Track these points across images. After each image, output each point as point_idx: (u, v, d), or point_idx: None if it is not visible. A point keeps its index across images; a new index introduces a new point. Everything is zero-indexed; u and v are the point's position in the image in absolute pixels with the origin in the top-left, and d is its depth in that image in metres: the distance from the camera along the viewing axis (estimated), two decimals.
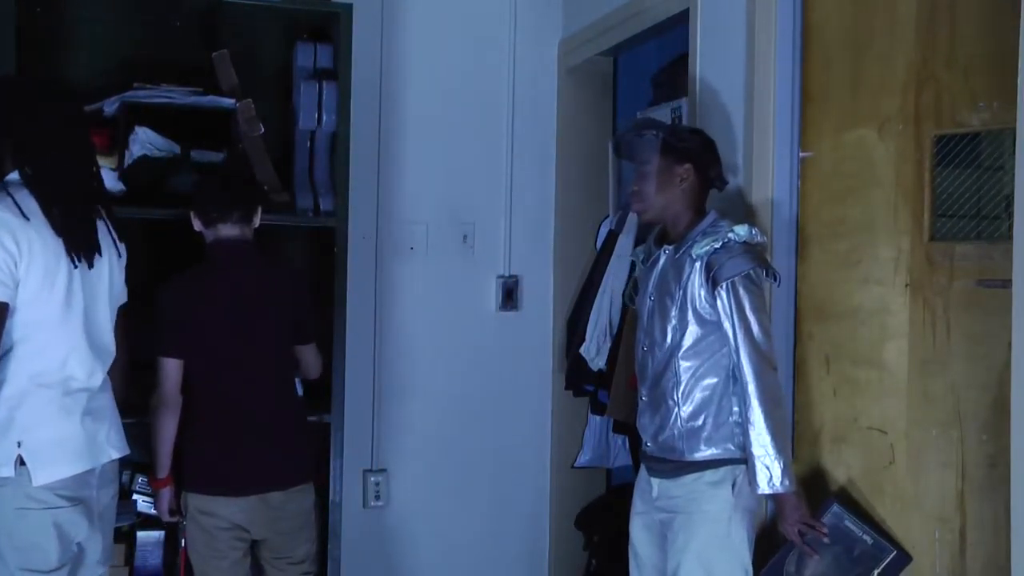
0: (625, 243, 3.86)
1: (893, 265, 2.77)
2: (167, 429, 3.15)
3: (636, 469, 3.44)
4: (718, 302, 2.69)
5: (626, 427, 3.76)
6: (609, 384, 3.78)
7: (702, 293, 2.72)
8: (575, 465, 4.16)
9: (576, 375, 4.06)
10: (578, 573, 4.25)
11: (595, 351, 3.92)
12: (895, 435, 2.77)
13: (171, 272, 3.24)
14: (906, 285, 2.75)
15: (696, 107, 3.36)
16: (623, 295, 3.54)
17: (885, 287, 2.79)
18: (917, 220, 2.73)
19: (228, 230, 3.21)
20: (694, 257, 2.73)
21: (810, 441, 2.96)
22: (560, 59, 4.41)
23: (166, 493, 3.25)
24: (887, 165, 2.80)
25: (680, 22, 3.53)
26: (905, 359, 2.74)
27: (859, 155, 2.87)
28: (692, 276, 2.73)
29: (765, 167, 3.04)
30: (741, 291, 2.67)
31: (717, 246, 2.69)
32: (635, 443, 3.78)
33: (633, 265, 3.30)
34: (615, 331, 3.84)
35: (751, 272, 2.69)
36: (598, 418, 4.06)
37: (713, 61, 3.33)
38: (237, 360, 3.19)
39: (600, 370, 3.90)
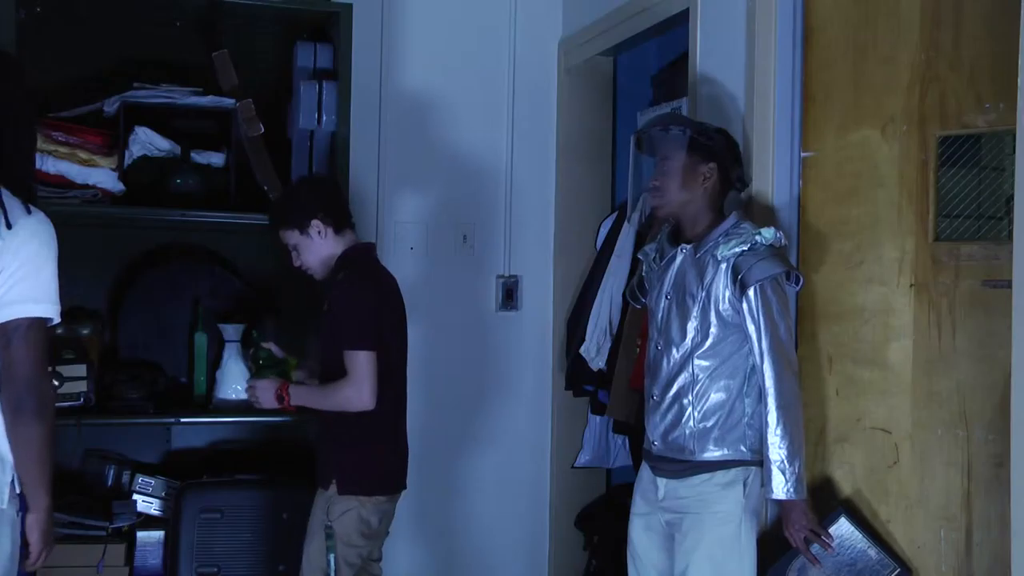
0: (625, 242, 3.85)
1: (897, 265, 2.78)
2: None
3: (637, 469, 3.43)
4: (744, 305, 2.66)
5: (626, 427, 3.75)
6: (609, 384, 3.78)
7: (727, 295, 2.69)
8: (575, 465, 4.16)
9: (576, 375, 4.06)
10: (578, 573, 4.25)
11: (595, 351, 3.91)
12: (899, 435, 2.77)
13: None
14: (911, 285, 2.75)
15: (696, 107, 3.36)
16: (624, 292, 3.52)
17: (889, 287, 2.80)
18: (922, 220, 2.74)
19: (352, 236, 3.18)
20: (719, 259, 2.70)
21: (813, 441, 2.95)
22: (560, 59, 4.41)
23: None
24: (891, 165, 2.80)
25: (680, 22, 3.54)
26: (909, 359, 2.75)
27: (862, 155, 2.87)
28: (717, 278, 2.70)
29: (765, 167, 3.04)
30: (769, 294, 2.66)
31: (745, 248, 2.67)
32: (635, 443, 3.78)
33: (636, 263, 3.28)
34: (615, 331, 3.84)
35: (779, 276, 2.69)
36: (598, 418, 4.06)
37: (713, 61, 3.34)
38: (400, 361, 3.18)
39: (600, 370, 3.90)
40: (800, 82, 3.04)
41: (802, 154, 3.04)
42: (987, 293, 2.60)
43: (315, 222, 3.11)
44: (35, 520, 2.34)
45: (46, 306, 2.25)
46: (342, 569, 3.06)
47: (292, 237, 3.15)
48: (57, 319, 2.29)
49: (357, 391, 2.98)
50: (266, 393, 3.16)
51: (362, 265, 3.15)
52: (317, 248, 3.13)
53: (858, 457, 2.87)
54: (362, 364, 2.97)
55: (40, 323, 2.24)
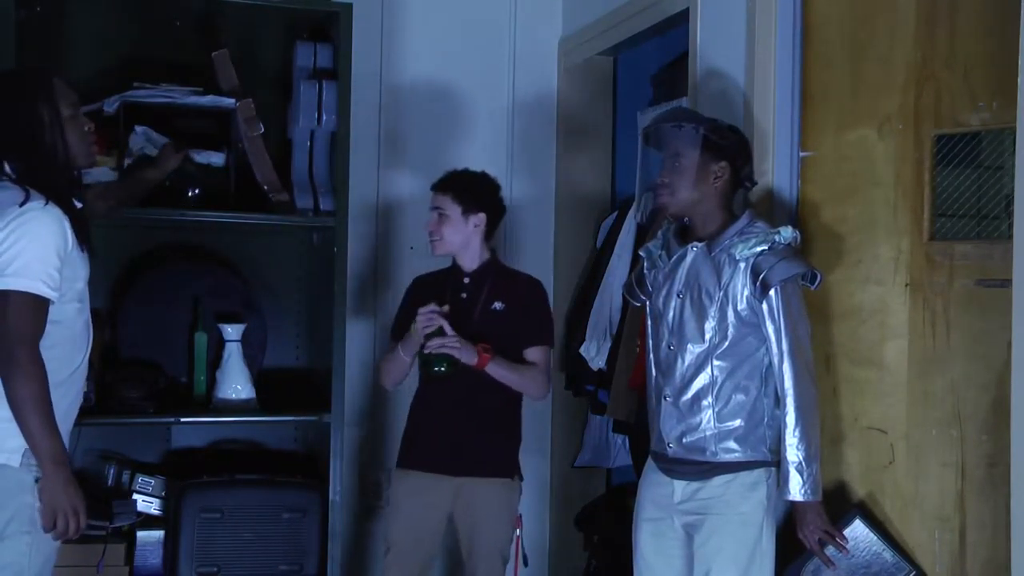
0: (626, 241, 3.85)
1: (893, 265, 2.77)
2: None
3: (637, 469, 3.42)
4: (764, 305, 2.63)
5: (626, 427, 3.75)
6: (609, 384, 3.78)
7: (745, 294, 2.65)
8: (575, 465, 4.16)
9: (576, 375, 4.06)
10: (578, 573, 4.24)
11: (595, 351, 3.92)
12: (895, 435, 2.77)
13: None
14: (906, 285, 2.75)
15: (696, 107, 3.35)
16: (623, 289, 3.50)
17: (885, 287, 2.79)
18: (917, 220, 2.73)
19: (487, 249, 3.44)
20: (737, 258, 2.66)
21: None
22: (560, 59, 4.41)
23: None
24: (887, 165, 2.80)
25: (680, 21, 3.54)
26: (905, 359, 2.74)
27: (859, 155, 2.87)
28: (735, 277, 2.66)
29: (765, 166, 3.03)
30: (789, 294, 2.63)
31: (765, 248, 2.64)
32: (635, 443, 3.78)
33: (636, 260, 3.26)
34: (615, 331, 3.84)
35: (799, 276, 2.66)
36: (598, 418, 4.06)
37: (713, 61, 3.34)
38: None
39: (600, 370, 3.90)
40: (800, 82, 3.03)
41: (801, 154, 3.03)
42: (981, 292, 2.59)
43: (482, 215, 3.33)
44: (42, 485, 2.42)
45: (18, 280, 2.40)
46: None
47: (452, 209, 3.33)
48: (37, 293, 2.41)
49: (548, 383, 3.37)
50: (469, 349, 3.24)
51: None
52: (462, 234, 3.34)
53: (855, 457, 2.87)
54: (550, 360, 3.38)
55: (10, 296, 2.39)
